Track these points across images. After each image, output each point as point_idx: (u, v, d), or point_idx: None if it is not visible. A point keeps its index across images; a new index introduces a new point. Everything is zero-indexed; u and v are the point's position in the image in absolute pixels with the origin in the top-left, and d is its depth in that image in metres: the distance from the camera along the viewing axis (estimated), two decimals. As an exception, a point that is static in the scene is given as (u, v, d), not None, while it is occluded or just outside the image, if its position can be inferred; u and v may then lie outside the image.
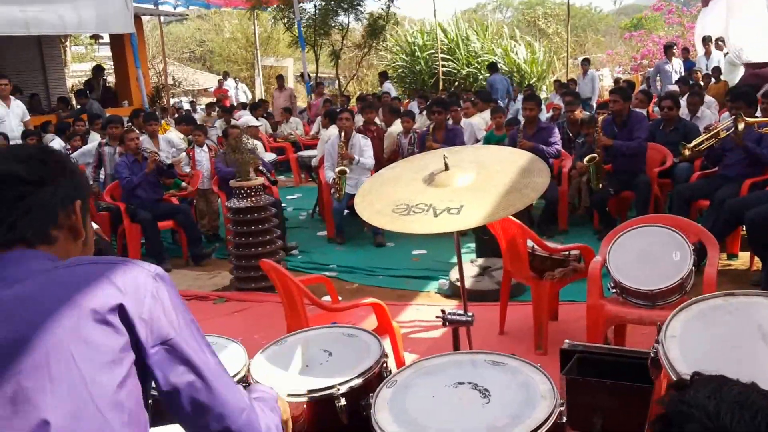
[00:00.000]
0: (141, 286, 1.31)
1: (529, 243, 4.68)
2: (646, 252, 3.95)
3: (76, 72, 24.35)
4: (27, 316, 1.22)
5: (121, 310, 1.26)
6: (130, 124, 9.45)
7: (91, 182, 8.21)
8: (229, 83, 21.24)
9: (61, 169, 1.41)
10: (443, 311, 2.84)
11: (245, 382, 2.74)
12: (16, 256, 1.32)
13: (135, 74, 14.02)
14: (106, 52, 22.13)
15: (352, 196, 7.80)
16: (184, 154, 8.62)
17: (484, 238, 6.41)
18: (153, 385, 1.35)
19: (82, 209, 1.43)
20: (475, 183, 2.77)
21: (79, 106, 12.64)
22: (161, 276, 1.36)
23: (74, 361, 1.20)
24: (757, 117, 6.22)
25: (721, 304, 2.14)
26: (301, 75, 18.13)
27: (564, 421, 2.10)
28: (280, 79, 17.49)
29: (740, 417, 1.10)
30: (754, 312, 2.07)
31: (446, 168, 2.83)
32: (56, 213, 1.38)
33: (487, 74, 19.50)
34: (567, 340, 3.77)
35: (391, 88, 16.29)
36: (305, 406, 2.55)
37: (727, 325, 2.05)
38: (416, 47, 21.00)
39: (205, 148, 8.70)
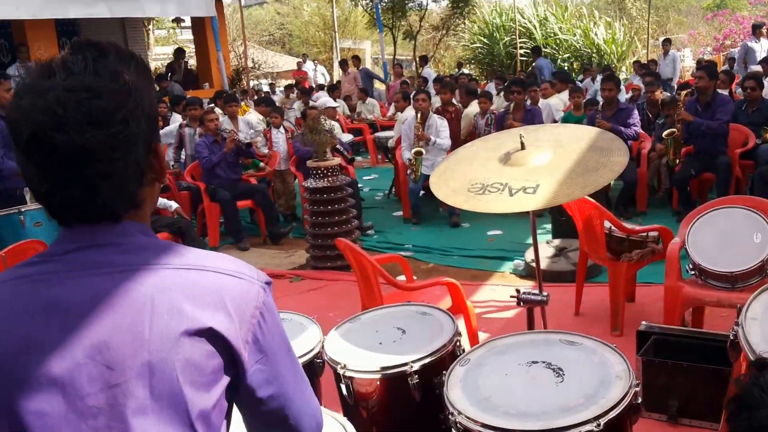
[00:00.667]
0: (250, 303, 1.19)
1: (606, 224, 4.59)
2: (726, 234, 3.84)
3: (158, 55, 24.93)
4: (130, 318, 1.11)
5: (225, 332, 1.14)
6: (212, 105, 9.65)
7: (172, 163, 8.46)
8: (308, 65, 21.43)
9: (142, 112, 1.15)
10: (518, 290, 2.81)
11: (319, 358, 2.77)
12: (105, 233, 1.16)
13: (216, 57, 14.27)
14: (187, 35, 22.59)
15: (428, 176, 7.81)
16: (260, 136, 8.76)
17: (560, 219, 6.31)
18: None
19: (158, 149, 1.23)
20: (552, 162, 2.72)
21: (159, 89, 12.98)
22: (269, 284, 1.24)
23: (177, 380, 1.10)
24: None
25: (806, 286, 2.05)
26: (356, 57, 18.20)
27: (639, 402, 2.05)
28: (344, 64, 17.53)
29: None
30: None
31: (522, 147, 2.79)
32: (142, 172, 1.17)
33: (566, 55, 19.15)
34: (644, 322, 3.71)
35: (430, 73, 16.27)
36: (378, 382, 2.57)
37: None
38: (494, 28, 20.71)
39: (282, 129, 8.82)
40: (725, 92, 8.66)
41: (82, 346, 1.09)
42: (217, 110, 8.99)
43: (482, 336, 4.25)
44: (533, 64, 15.55)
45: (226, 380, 1.18)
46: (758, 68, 10.70)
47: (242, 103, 12.02)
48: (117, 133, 1.10)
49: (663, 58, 14.94)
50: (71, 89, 1.08)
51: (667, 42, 15.52)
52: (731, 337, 2.03)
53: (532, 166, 2.74)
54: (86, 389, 1.08)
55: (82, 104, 1.08)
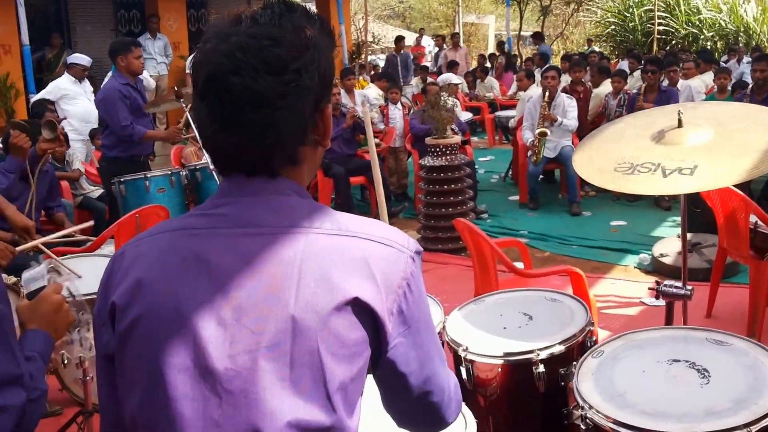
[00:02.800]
0: (398, 273, 1.19)
1: (752, 218, 4.36)
2: None
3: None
4: (277, 284, 1.14)
5: (371, 303, 1.16)
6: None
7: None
8: (426, 41, 21.36)
9: (317, 68, 1.19)
10: (657, 282, 2.70)
11: (439, 339, 2.75)
12: (261, 188, 1.21)
13: (338, 30, 14.46)
14: (311, 7, 22.95)
15: (550, 160, 7.66)
16: (376, 111, 8.81)
17: (695, 211, 6.03)
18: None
19: (328, 111, 1.27)
20: (713, 141, 2.58)
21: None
22: (419, 254, 1.25)
23: (318, 351, 1.12)
24: None
25: None
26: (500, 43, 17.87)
27: (796, 411, 1.93)
28: (455, 37, 17.28)
29: None
30: None
31: (679, 125, 2.65)
32: (306, 127, 1.21)
33: (710, 33, 18.21)
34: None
35: (548, 49, 15.76)
36: (500, 369, 2.53)
37: None
38: (630, 3, 19.98)
39: (399, 105, 8.83)
40: None
41: (230, 307, 1.13)
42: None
43: (602, 333, 4.13)
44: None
45: (368, 353, 1.19)
46: None
47: (360, 78, 12.15)
48: (288, 81, 1.15)
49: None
50: (254, 36, 1.15)
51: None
52: None
53: (690, 146, 2.60)
54: (227, 350, 1.12)
55: (262, 51, 1.14)
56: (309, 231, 1.18)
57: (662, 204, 7.51)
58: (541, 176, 7.94)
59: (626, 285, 5.46)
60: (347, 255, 1.17)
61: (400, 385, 1.26)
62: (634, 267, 6.00)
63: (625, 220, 7.23)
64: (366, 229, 1.22)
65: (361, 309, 1.15)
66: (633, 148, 2.67)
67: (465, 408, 2.16)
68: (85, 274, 3.32)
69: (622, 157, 2.63)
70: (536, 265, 5.71)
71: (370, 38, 18.56)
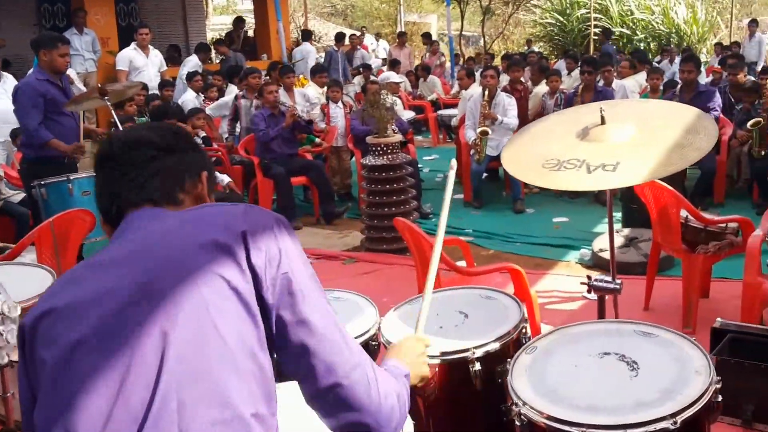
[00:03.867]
0: (265, 225, 1.32)
1: (683, 213, 4.48)
2: (816, 226, 3.69)
3: (216, 25, 25.17)
4: (160, 252, 1.29)
5: (245, 247, 1.28)
6: (267, 77, 9.73)
7: (226, 135, 8.56)
8: (369, 40, 21.37)
9: (191, 143, 1.54)
10: (589, 277, 2.76)
11: (375, 340, 2.77)
12: (143, 213, 1.41)
13: (275, 27, 14.32)
14: (247, 5, 22.76)
15: (493, 158, 7.75)
16: (317, 110, 8.79)
17: (632, 207, 6.19)
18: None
19: (208, 181, 1.52)
20: (634, 138, 2.65)
21: (222, 57, 13.10)
22: (285, 225, 1.37)
23: (198, 286, 1.24)
24: None
25: None
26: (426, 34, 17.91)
27: (719, 400, 2.00)
28: (402, 36, 17.35)
29: None
30: None
31: (602, 122, 2.72)
32: (184, 178, 1.48)
33: (643, 35, 18.67)
34: (719, 319, 3.61)
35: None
36: (437, 368, 2.55)
37: None
38: (567, 4, 20.34)
39: (340, 104, 8.82)
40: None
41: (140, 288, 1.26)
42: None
43: (545, 328, 4.20)
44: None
45: (251, 293, 1.28)
46: None
47: (300, 76, 12.07)
48: (165, 134, 1.51)
49: (748, 40, 14.54)
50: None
51: (754, 23, 15.05)
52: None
53: (613, 143, 2.67)
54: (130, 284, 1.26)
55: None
56: (190, 209, 1.43)
57: (602, 200, 7.65)
58: (484, 174, 8.02)
59: (568, 280, 5.54)
60: (220, 213, 1.36)
61: (303, 362, 1.33)
62: (576, 262, 6.09)
63: (567, 217, 7.34)
64: (228, 204, 1.43)
65: (239, 255, 1.28)
66: (560, 145, 2.73)
67: None
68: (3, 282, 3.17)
69: (549, 153, 2.69)
70: (481, 262, 5.76)
71: (299, 36, 18.43)
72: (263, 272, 1.28)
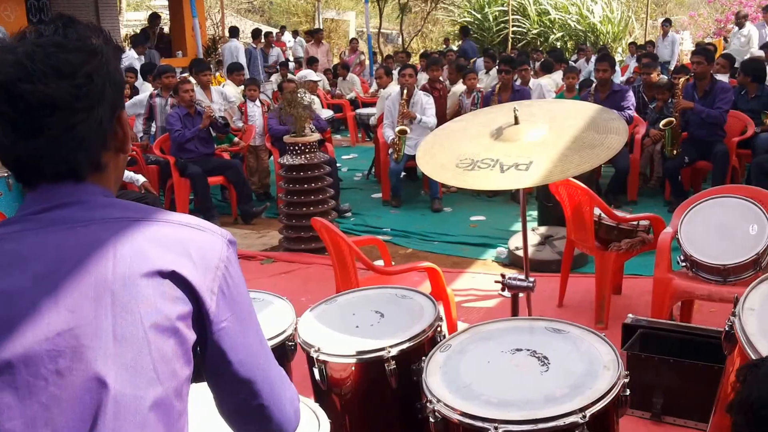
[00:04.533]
0: (214, 255, 1.25)
1: (596, 211, 4.61)
2: (721, 225, 3.86)
3: (130, 21, 24.64)
4: (93, 264, 1.17)
5: (190, 277, 1.20)
6: (185, 75, 9.56)
7: (141, 135, 8.37)
8: (287, 37, 21.26)
9: (107, 74, 1.23)
10: (503, 275, 2.82)
11: (291, 341, 2.76)
12: (69, 192, 1.23)
13: (191, 24, 14.09)
14: (162, 1, 22.32)
15: (411, 157, 7.81)
16: (235, 108, 8.69)
17: (547, 206, 6.34)
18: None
19: (124, 118, 1.32)
20: (546, 138, 2.71)
21: (137, 55, 12.81)
22: (232, 242, 1.31)
23: (141, 323, 1.16)
24: None
25: (806, 278, 2.07)
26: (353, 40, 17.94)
27: (627, 394, 2.07)
28: (318, 33, 17.32)
29: None
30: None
31: (516, 122, 2.78)
32: (105, 135, 1.25)
33: (560, 34, 19.13)
34: (630, 315, 3.73)
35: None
36: (353, 367, 2.56)
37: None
38: (485, 3, 20.66)
39: (257, 102, 8.75)
40: (725, 77, 8.71)
41: (47, 293, 1.14)
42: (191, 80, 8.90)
43: (462, 326, 4.26)
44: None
45: (193, 335, 1.23)
46: (761, 53, 10.76)
47: (217, 74, 11.90)
48: (81, 85, 1.18)
49: (662, 39, 15.03)
50: (40, 45, 1.18)
51: (667, 23, 15.58)
52: (726, 329, 2.04)
53: (526, 142, 2.72)
54: (50, 331, 1.13)
55: (50, 57, 1.17)
56: (121, 219, 1.23)
57: (519, 199, 7.80)
58: (403, 173, 8.07)
59: (485, 278, 5.63)
60: (163, 237, 1.22)
61: (228, 377, 1.29)
62: (492, 260, 6.20)
63: (484, 215, 7.47)
64: (179, 218, 1.28)
65: (181, 283, 1.20)
66: (474, 145, 2.77)
67: (318, 408, 2.19)
68: None
69: (463, 153, 2.72)
70: (399, 261, 5.81)
71: (227, 33, 18.22)
72: (215, 315, 1.24)
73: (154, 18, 15.66)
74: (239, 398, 1.32)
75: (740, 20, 13.59)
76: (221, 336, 1.25)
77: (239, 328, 1.28)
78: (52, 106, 1.16)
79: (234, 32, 15.45)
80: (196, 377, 1.31)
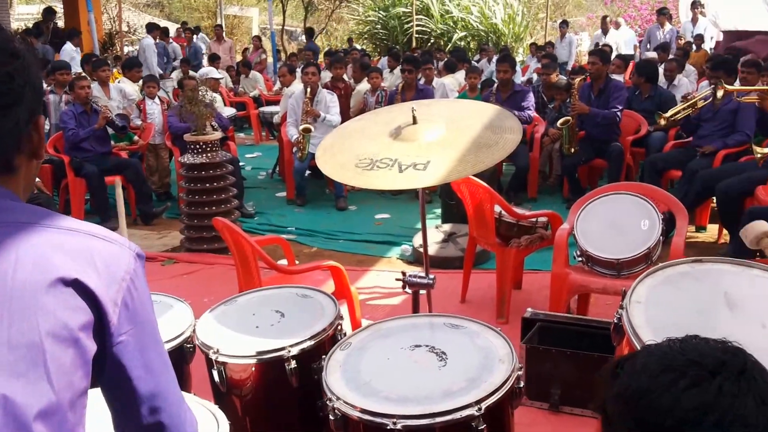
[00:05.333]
0: (120, 267, 1.23)
1: (497, 209, 4.70)
2: (615, 220, 4.01)
3: (22, 15, 23.68)
4: None
5: (93, 287, 1.18)
6: (80, 71, 9.25)
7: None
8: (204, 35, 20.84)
9: (28, 78, 1.23)
10: (404, 273, 2.85)
11: (189, 343, 2.72)
12: None
13: (86, 18, 13.67)
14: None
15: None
16: (134, 105, 8.48)
17: (450, 204, 6.44)
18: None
19: (41, 124, 1.31)
20: (444, 138, 2.76)
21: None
22: (140, 256, 1.28)
23: (38, 331, 1.12)
24: (736, 86, 6.30)
25: (687, 270, 2.17)
26: (256, 37, 17.76)
27: (521, 386, 2.13)
28: (219, 29, 17.08)
29: (689, 343, 1.09)
30: (721, 278, 2.11)
31: (414, 122, 2.81)
32: (20, 137, 1.24)
33: (463, 33, 19.43)
34: (529, 309, 3.83)
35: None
36: (253, 368, 2.55)
37: (693, 291, 2.09)
38: (390, 2, 20.78)
39: (157, 100, 8.55)
40: (620, 77, 9.04)
41: None
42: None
43: (366, 323, 4.28)
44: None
45: (93, 346, 1.20)
46: (653, 55, 11.21)
47: (114, 70, 11.56)
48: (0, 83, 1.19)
49: (560, 40, 15.44)
50: None
51: (564, 24, 16.03)
52: (615, 321, 2.13)
53: (424, 142, 2.76)
54: None
55: None
56: (28, 225, 1.19)
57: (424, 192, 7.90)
58: (308, 172, 8.04)
59: (390, 276, 5.65)
60: (68, 245, 1.19)
61: (127, 393, 1.26)
62: (397, 258, 6.25)
63: (389, 213, 7.52)
64: (86, 227, 1.25)
65: (83, 293, 1.17)
66: (374, 145, 2.80)
67: (217, 409, 2.16)
68: None
69: (363, 153, 2.74)
70: (304, 260, 5.80)
71: (125, 28, 17.77)
72: (116, 328, 1.21)
73: (49, 12, 15.08)
74: (138, 416, 1.29)
75: (607, 25, 14.39)
76: (120, 350, 1.23)
77: (140, 343, 1.25)
78: None
79: (152, 28, 15.17)
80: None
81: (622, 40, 15.06)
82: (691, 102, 6.49)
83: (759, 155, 4.96)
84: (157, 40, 14.59)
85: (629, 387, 1.08)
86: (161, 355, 1.31)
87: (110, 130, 7.64)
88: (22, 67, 1.22)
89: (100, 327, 1.20)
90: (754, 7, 7.21)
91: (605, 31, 14.64)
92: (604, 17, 15.29)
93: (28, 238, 1.18)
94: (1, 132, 1.19)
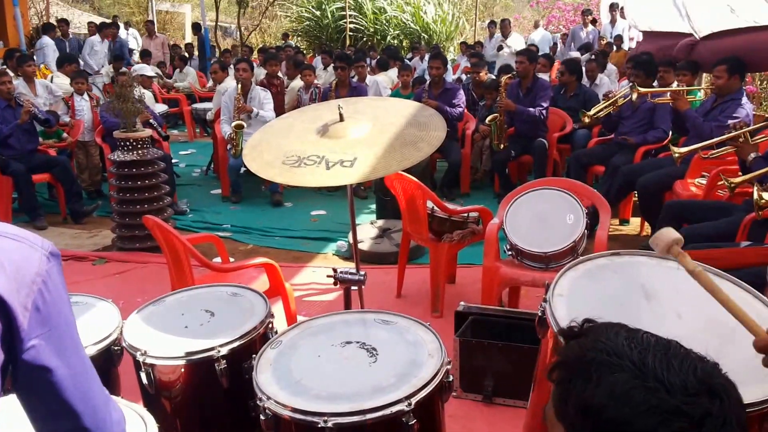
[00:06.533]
0: (31, 269, 1.17)
1: (429, 204, 4.72)
2: (542, 215, 4.08)
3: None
4: None
5: (3, 294, 1.12)
6: (3, 66, 8.93)
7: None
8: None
9: None
10: (335, 270, 2.83)
11: (117, 345, 2.64)
12: None
13: (12, 12, 13.25)
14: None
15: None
16: (60, 102, 8.24)
17: (385, 200, 6.44)
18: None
19: None
20: (370, 135, 2.75)
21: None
22: (54, 255, 1.22)
23: None
24: (653, 87, 6.49)
25: (606, 263, 2.21)
26: (196, 25, 17.45)
27: (451, 380, 2.13)
28: (150, 25, 16.77)
29: (669, 364, 1.09)
30: (638, 271, 2.15)
31: (341, 119, 2.79)
32: None
33: (396, 32, 19.50)
34: (462, 303, 3.85)
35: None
36: (182, 369, 2.49)
37: (612, 283, 2.13)
38: (324, 0, 20.73)
39: (86, 96, 8.32)
40: (545, 76, 9.19)
41: None
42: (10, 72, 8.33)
43: (302, 320, 4.25)
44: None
45: (1, 354, 1.13)
46: (577, 54, 11.44)
47: (41, 65, 11.23)
48: None
49: (489, 40, 15.59)
50: None
51: (493, 24, 16.21)
52: (539, 314, 2.15)
53: (351, 139, 2.75)
54: None
55: None
56: None
57: (359, 194, 7.91)
58: (243, 169, 7.94)
59: (325, 272, 5.60)
60: None
61: (44, 400, 1.21)
62: (333, 254, 6.23)
63: (325, 210, 7.49)
64: None
65: None
66: (301, 142, 2.77)
67: (145, 412, 2.10)
68: None
69: (290, 150, 2.72)
70: (239, 258, 5.73)
71: (53, 22, 17.25)
72: (26, 332, 1.15)
73: (-29, 7, 14.57)
74: (58, 423, 1.24)
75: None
76: (33, 355, 1.17)
77: (54, 347, 1.19)
78: None
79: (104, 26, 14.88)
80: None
81: (538, 41, 15.31)
82: (612, 100, 6.67)
83: (677, 155, 5.13)
84: (67, 36, 14.22)
85: (604, 409, 1.07)
86: (80, 359, 1.26)
87: (39, 127, 7.42)
88: None
89: (10, 333, 1.14)
90: (666, 9, 7.44)
91: (613, 22, 14.60)
92: (503, 20, 15.44)
93: None
94: None
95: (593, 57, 9.84)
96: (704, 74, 7.12)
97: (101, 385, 1.32)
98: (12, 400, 1.82)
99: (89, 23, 15.22)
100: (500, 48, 13.67)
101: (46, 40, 13.50)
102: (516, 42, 14.04)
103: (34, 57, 10.87)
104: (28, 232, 1.21)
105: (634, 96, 6.09)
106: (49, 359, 1.19)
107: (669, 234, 1.61)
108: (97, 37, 14.02)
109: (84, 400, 1.25)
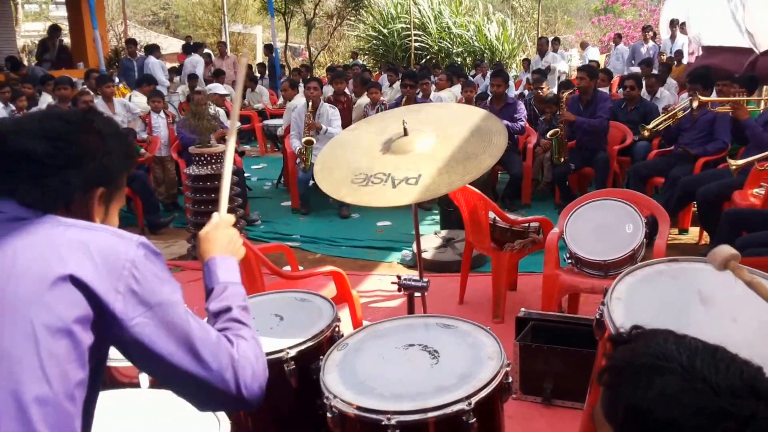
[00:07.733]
0: (119, 255, 1.26)
1: (491, 215, 4.74)
2: (601, 224, 4.07)
3: (28, 32, 23.80)
4: None
5: (89, 281, 1.21)
6: (84, 86, 9.28)
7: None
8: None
9: (93, 150, 1.35)
10: (399, 276, 2.88)
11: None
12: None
13: (92, 35, 13.68)
14: (62, 11, 21.61)
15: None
16: (138, 119, 8.51)
17: (448, 210, 6.47)
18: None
19: (104, 197, 1.39)
20: (435, 149, 2.76)
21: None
22: (144, 245, 1.32)
23: (32, 324, 1.18)
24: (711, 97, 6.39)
25: (664, 269, 2.20)
26: (268, 46, 17.80)
27: (510, 381, 2.15)
28: (223, 46, 17.11)
29: (716, 367, 1.10)
30: (695, 277, 2.14)
31: (405, 133, 2.83)
32: (71, 196, 1.34)
33: (460, 49, 19.51)
34: (522, 309, 3.87)
35: None
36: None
37: (669, 288, 2.12)
38: (389, 19, 20.89)
39: (162, 114, 8.58)
40: (605, 90, 9.11)
41: None
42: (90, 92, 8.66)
43: (367, 324, 4.30)
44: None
45: (89, 338, 1.23)
46: (638, 69, 11.28)
47: (120, 85, 11.59)
48: (60, 147, 1.31)
49: (539, 58, 15.53)
50: (48, 115, 1.38)
51: (556, 41, 16.13)
52: (597, 317, 2.16)
53: (416, 153, 2.77)
54: None
55: (45, 121, 1.35)
56: (25, 220, 1.26)
57: (424, 205, 7.95)
58: (311, 182, 8.06)
59: (391, 280, 5.66)
60: (66, 240, 1.24)
61: (162, 368, 1.31)
62: (398, 263, 6.28)
63: (390, 221, 7.54)
64: (86, 222, 1.31)
65: (79, 286, 1.21)
66: (368, 158, 2.80)
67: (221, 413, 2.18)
68: None
69: (358, 167, 2.75)
70: (308, 266, 5.82)
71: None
72: (124, 314, 1.25)
73: (54, 30, 15.13)
74: (181, 381, 1.34)
75: (616, 40, 14.38)
76: (137, 332, 1.26)
77: (158, 321, 1.28)
78: (22, 158, 1.30)
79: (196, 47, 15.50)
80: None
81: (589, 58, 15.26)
82: (671, 113, 6.59)
83: (734, 167, 5.04)
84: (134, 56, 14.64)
85: (654, 410, 1.09)
86: (188, 325, 1.35)
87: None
88: (90, 141, 1.35)
89: (103, 317, 1.24)
90: (726, 24, 7.34)
91: (542, 53, 14.73)
92: (542, 38, 15.30)
93: (26, 234, 1.23)
94: (51, 187, 1.30)
95: (654, 72, 9.71)
96: (765, 87, 6.97)
97: (214, 335, 1.41)
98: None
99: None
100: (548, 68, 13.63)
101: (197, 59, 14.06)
102: (592, 54, 13.96)
103: (114, 77, 11.24)
104: (117, 228, 1.34)
105: (695, 104, 6.00)
106: (155, 333, 1.28)
107: (726, 250, 1.60)
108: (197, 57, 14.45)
109: (195, 360, 1.33)
